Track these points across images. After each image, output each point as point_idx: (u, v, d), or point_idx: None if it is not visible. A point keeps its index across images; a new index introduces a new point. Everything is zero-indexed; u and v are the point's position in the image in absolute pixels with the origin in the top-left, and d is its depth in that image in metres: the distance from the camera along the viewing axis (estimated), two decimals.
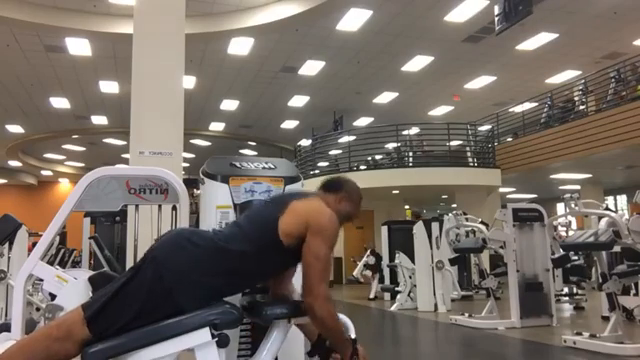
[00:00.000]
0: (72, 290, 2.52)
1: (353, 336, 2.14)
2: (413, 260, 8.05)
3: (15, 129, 17.24)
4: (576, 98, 12.74)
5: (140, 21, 5.97)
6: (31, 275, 2.56)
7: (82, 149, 20.57)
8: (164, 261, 1.92)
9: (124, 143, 17.63)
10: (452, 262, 7.98)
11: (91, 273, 2.74)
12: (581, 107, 12.38)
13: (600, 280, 4.96)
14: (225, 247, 2.00)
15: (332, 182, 2.31)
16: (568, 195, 4.91)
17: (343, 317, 2.20)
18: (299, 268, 2.11)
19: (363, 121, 17.20)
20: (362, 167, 14.84)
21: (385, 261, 9.75)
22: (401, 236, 9.38)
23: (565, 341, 4.80)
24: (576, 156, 11.32)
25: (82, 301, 1.97)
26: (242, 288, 2.17)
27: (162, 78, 5.76)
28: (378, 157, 15.36)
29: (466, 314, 6.44)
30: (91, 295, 2.45)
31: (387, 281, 9.66)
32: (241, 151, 20.94)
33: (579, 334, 4.81)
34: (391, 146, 15.11)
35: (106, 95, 14.05)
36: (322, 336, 2.20)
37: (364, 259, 10.85)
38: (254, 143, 20.01)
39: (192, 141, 18.47)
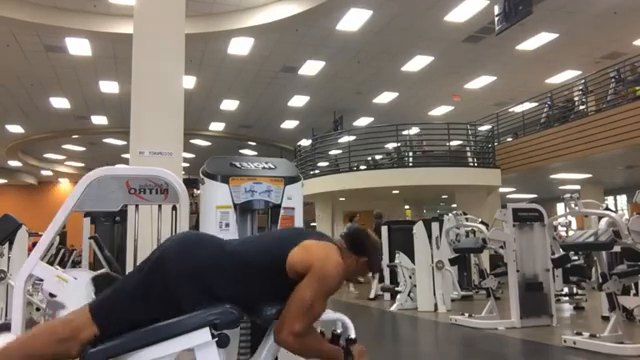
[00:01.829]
0: (72, 290, 2.52)
1: (353, 336, 2.14)
2: (413, 260, 8.04)
3: (15, 129, 17.24)
4: (576, 98, 12.74)
5: (140, 21, 5.97)
6: (31, 275, 2.56)
7: (82, 149, 20.58)
8: (171, 261, 1.93)
9: (124, 143, 17.62)
10: (452, 262, 7.97)
11: (91, 273, 2.74)
12: (581, 107, 12.38)
13: (600, 280, 4.96)
14: (233, 257, 2.01)
15: (359, 241, 2.18)
16: (568, 195, 4.91)
17: (342, 317, 2.20)
18: None
19: (363, 121, 17.21)
20: (362, 167, 14.84)
21: (385, 261, 9.74)
22: (401, 236, 9.37)
23: (565, 341, 4.80)
24: (576, 156, 11.32)
25: (83, 301, 1.97)
26: (243, 302, 2.06)
27: (162, 78, 5.76)
28: (378, 157, 15.37)
29: (466, 314, 6.43)
30: (93, 296, 2.45)
31: (387, 281, 9.66)
32: (241, 151, 20.95)
33: (579, 334, 4.80)
34: (391, 146, 15.11)
35: (106, 95, 14.06)
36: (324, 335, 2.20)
37: None
38: (254, 143, 20.02)
39: (192, 141, 18.48)
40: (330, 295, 2.03)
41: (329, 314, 2.17)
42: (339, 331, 2.18)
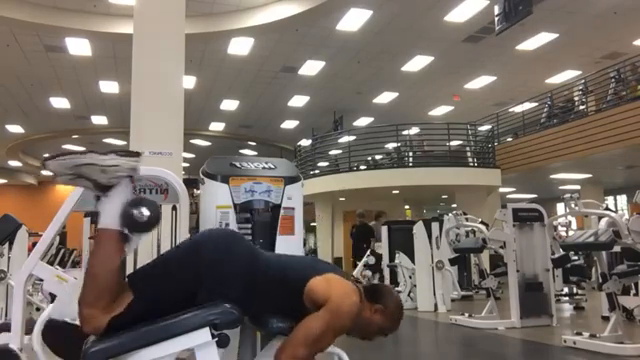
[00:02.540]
0: (73, 290, 2.52)
1: None
2: (413, 260, 8.04)
3: (15, 129, 17.25)
4: (576, 98, 12.74)
5: (140, 21, 5.97)
6: (31, 275, 2.56)
7: (82, 149, 20.55)
8: (207, 249, 2.00)
9: (124, 143, 17.62)
10: (452, 262, 7.97)
11: None
12: (581, 107, 12.38)
13: (600, 280, 4.96)
14: (260, 268, 2.05)
15: (376, 290, 2.20)
16: (568, 195, 4.91)
17: (340, 352, 2.22)
18: None
19: (363, 121, 17.21)
20: (362, 167, 14.84)
21: (385, 261, 9.74)
22: (401, 236, 9.37)
23: (565, 341, 4.79)
24: (576, 156, 11.32)
25: None
26: (254, 310, 2.08)
27: (162, 78, 5.75)
28: (378, 157, 15.37)
29: (466, 314, 6.43)
30: None
31: (387, 281, 9.66)
32: (241, 151, 20.95)
33: (579, 334, 4.80)
34: (391, 146, 15.11)
35: (106, 95, 14.06)
36: None
37: (364, 259, 10.85)
38: (254, 143, 20.02)
39: (192, 141, 18.48)
40: (340, 333, 2.02)
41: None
42: None
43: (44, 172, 23.55)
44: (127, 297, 1.88)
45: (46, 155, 1.95)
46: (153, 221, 1.92)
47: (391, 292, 2.24)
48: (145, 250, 2.30)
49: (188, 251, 2.02)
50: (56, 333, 2.42)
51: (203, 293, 1.93)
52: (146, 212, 1.90)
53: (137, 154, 2.00)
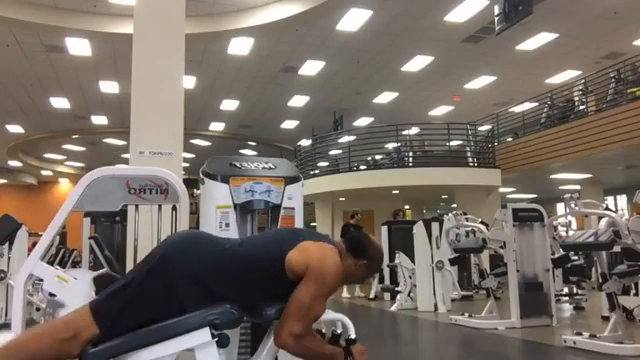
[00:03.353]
0: (73, 290, 2.52)
1: (353, 336, 2.14)
2: (413, 260, 8.04)
3: (15, 129, 17.25)
4: (576, 98, 12.74)
5: (140, 21, 5.97)
6: (31, 275, 2.56)
7: (82, 149, 20.58)
8: (172, 260, 1.93)
9: (124, 143, 17.62)
10: (452, 262, 7.96)
11: (91, 273, 2.74)
12: (581, 107, 12.38)
13: (600, 280, 4.96)
14: (232, 258, 2.01)
15: (358, 244, 2.17)
16: (568, 195, 4.91)
17: (342, 317, 2.19)
18: None
19: (363, 121, 17.21)
20: (362, 167, 14.84)
21: (385, 261, 9.75)
22: (401, 236, 9.37)
23: (565, 341, 4.79)
24: (576, 156, 11.31)
25: (83, 301, 1.97)
26: (243, 302, 2.05)
27: (162, 78, 5.76)
28: (378, 157, 15.36)
29: (466, 314, 6.43)
30: (94, 295, 2.45)
31: (387, 281, 9.66)
32: (241, 151, 20.95)
33: (579, 334, 4.80)
34: (391, 146, 15.11)
35: (106, 95, 14.06)
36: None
37: None
38: (254, 143, 20.02)
39: (192, 141, 18.48)
40: (329, 295, 2.02)
41: (329, 314, 2.17)
42: (339, 331, 2.18)
43: (44, 172, 23.62)
44: (90, 326, 1.82)
45: None
46: None
47: (371, 243, 2.20)
48: (146, 250, 2.29)
49: (153, 271, 1.91)
50: None
51: (189, 302, 1.89)
52: None
53: None
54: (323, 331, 2.24)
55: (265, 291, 2.04)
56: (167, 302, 1.89)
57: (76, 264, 10.00)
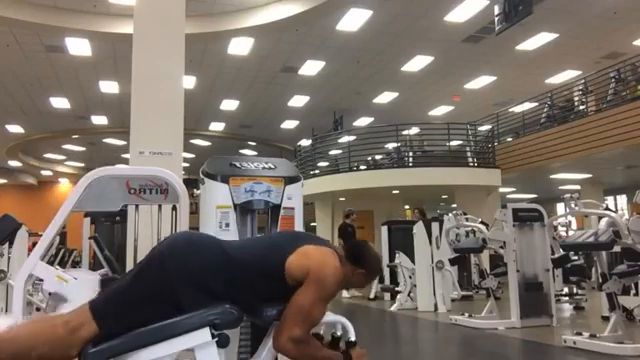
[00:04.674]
0: (72, 290, 2.52)
1: (353, 339, 2.14)
2: (413, 260, 8.04)
3: (15, 129, 17.25)
4: (576, 98, 12.74)
5: (140, 21, 5.97)
6: (31, 275, 2.56)
7: (82, 149, 20.58)
8: (172, 261, 1.92)
9: (124, 143, 17.63)
10: (452, 262, 7.96)
11: (91, 273, 2.74)
12: (581, 107, 12.38)
13: (600, 280, 4.96)
14: (232, 262, 2.00)
15: (358, 253, 2.17)
16: (568, 195, 4.91)
17: (342, 320, 2.19)
18: None
19: (363, 121, 17.21)
20: (362, 167, 14.84)
21: (385, 261, 9.74)
22: (401, 236, 9.37)
23: (565, 341, 4.79)
24: (576, 156, 11.31)
25: (83, 301, 1.97)
26: (243, 303, 2.05)
27: (162, 78, 5.76)
28: (378, 157, 15.36)
29: (466, 314, 6.43)
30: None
31: (387, 281, 9.66)
32: (241, 151, 20.95)
33: (579, 334, 4.80)
34: (391, 146, 15.11)
35: (106, 95, 14.05)
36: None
37: None
38: (254, 143, 20.02)
39: (192, 141, 18.48)
40: (329, 300, 2.02)
41: (329, 317, 2.17)
42: (339, 334, 2.17)
43: (44, 172, 23.62)
44: (89, 325, 1.82)
45: None
46: None
47: (369, 251, 2.21)
48: (146, 250, 2.29)
49: (152, 271, 1.92)
50: None
51: (188, 303, 1.89)
52: None
53: None
54: (321, 333, 2.24)
55: (265, 295, 2.04)
56: (166, 302, 1.89)
57: (76, 264, 10.01)
